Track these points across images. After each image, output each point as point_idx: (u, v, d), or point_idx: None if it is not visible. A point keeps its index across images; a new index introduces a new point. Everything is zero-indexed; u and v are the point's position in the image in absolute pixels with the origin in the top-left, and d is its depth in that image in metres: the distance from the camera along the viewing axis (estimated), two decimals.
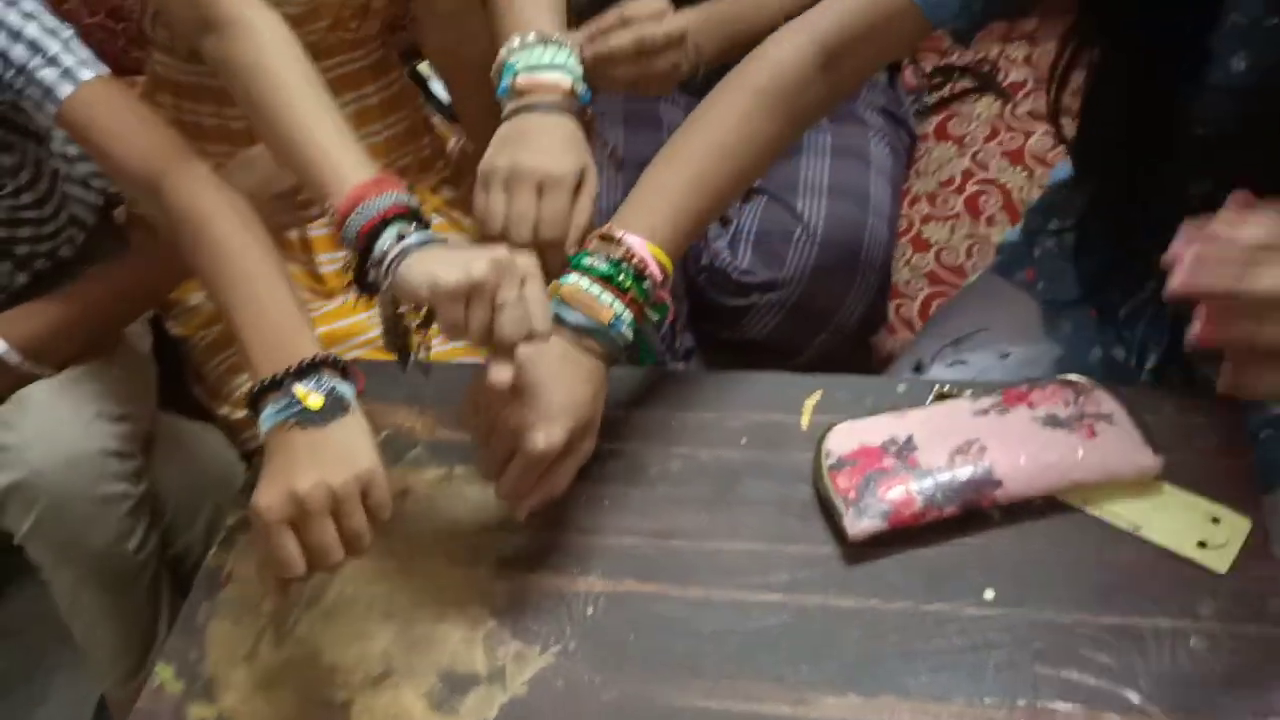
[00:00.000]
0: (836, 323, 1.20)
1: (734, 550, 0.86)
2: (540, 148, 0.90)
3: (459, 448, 0.95)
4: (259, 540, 0.75)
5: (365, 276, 0.83)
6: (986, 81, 1.53)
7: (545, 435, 0.78)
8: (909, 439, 0.88)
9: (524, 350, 0.77)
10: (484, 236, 0.90)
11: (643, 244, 0.83)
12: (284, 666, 0.83)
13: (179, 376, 1.29)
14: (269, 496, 0.74)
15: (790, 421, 0.94)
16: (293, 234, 1.21)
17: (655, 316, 0.86)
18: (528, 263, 0.77)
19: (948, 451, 0.87)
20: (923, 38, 0.96)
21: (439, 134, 1.40)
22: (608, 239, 0.84)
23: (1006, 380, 1.06)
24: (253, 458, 1.21)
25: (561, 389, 0.80)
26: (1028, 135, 1.48)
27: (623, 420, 0.95)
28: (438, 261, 0.77)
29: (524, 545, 0.88)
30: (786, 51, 0.92)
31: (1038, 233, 1.13)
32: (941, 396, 0.94)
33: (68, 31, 1.00)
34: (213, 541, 1.20)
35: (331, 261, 1.24)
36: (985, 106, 1.53)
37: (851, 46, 0.93)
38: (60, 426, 1.06)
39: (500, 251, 0.75)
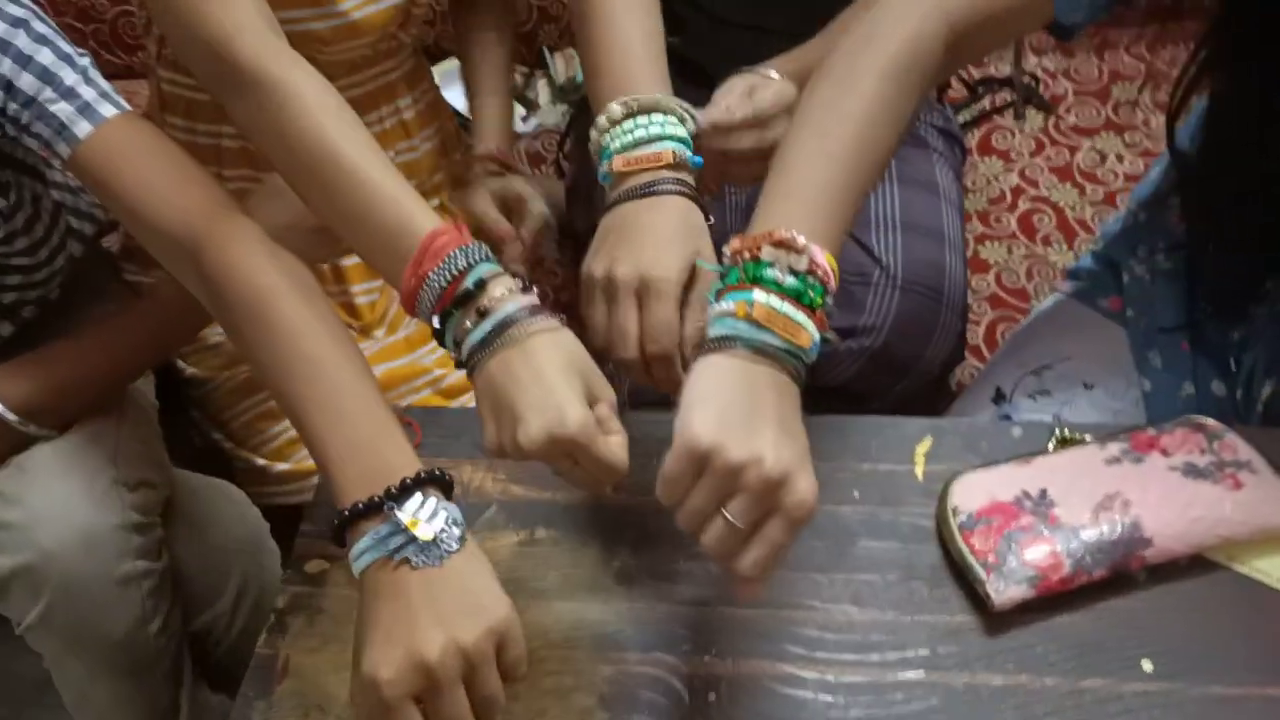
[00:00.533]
0: (920, 368, 1.12)
1: (863, 620, 0.78)
2: (640, 245, 0.79)
3: (540, 507, 0.86)
4: (372, 715, 0.63)
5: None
6: (1029, 94, 1.47)
7: (810, 482, 0.64)
8: (1043, 492, 0.81)
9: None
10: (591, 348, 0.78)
11: (823, 254, 0.70)
12: None
13: (181, 422, 1.16)
14: (389, 667, 0.62)
15: (902, 471, 0.86)
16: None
17: (832, 336, 0.74)
18: (597, 416, 0.70)
19: (1089, 506, 0.79)
20: (1042, 26, 0.87)
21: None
22: (785, 245, 0.70)
23: (1093, 414, 1.02)
24: (277, 515, 1.10)
25: (794, 424, 0.66)
26: (1073, 150, 1.43)
27: None
28: (522, 397, 0.68)
29: (624, 621, 0.79)
30: (923, 26, 0.80)
31: (1125, 259, 1.07)
32: (1064, 441, 0.87)
33: (85, 59, 0.87)
34: (239, 615, 1.11)
35: (367, 293, 1.13)
36: (1029, 120, 1.47)
37: (979, 29, 0.82)
38: (71, 499, 0.92)
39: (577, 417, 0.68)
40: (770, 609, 0.78)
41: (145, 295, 1.11)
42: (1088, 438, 0.86)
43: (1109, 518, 0.79)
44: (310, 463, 1.02)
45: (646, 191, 0.82)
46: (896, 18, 0.81)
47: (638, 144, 0.83)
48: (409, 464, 0.69)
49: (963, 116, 1.47)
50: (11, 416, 0.92)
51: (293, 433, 1.04)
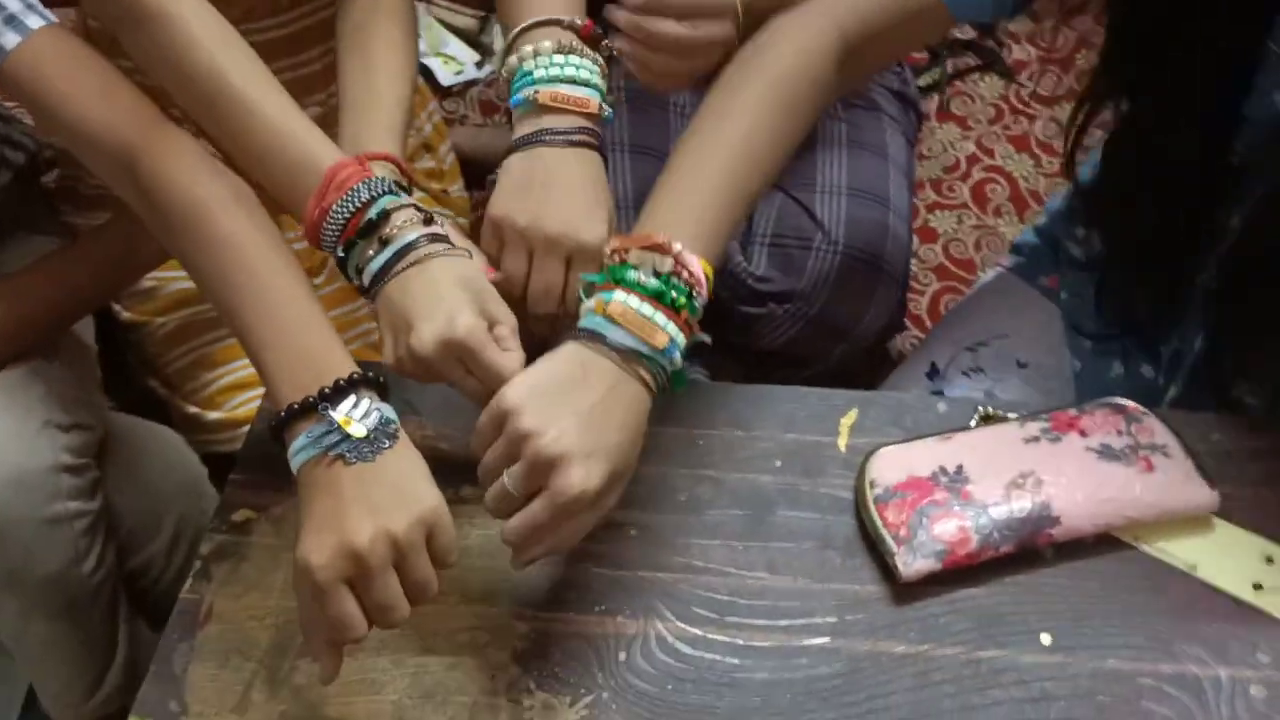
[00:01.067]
0: (857, 334, 1.12)
1: (777, 587, 0.79)
2: (568, 205, 0.79)
3: (464, 467, 0.85)
4: (308, 601, 0.66)
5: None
6: (992, 59, 1.46)
7: (585, 474, 0.67)
8: (959, 468, 0.82)
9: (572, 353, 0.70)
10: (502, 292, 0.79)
11: (696, 260, 0.73)
12: None
13: (119, 365, 1.16)
14: (321, 552, 0.64)
15: (826, 443, 0.88)
16: None
17: (705, 338, 0.76)
18: (495, 335, 0.74)
19: (1002, 484, 0.81)
20: (942, 33, 0.89)
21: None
22: (654, 248, 0.73)
23: (1026, 392, 1.03)
24: (216, 462, 1.10)
25: (608, 424, 0.69)
26: (1032, 119, 1.43)
27: (647, 439, 0.87)
28: (414, 307, 0.73)
29: (543, 580, 0.80)
30: (811, 38, 0.83)
31: (1064, 237, 1.08)
32: (986, 419, 0.88)
33: None
34: (176, 556, 1.12)
35: (302, 238, 1.12)
36: (989, 86, 1.47)
37: (874, 40, 0.84)
38: (2, 440, 0.92)
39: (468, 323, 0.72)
40: (686, 574, 0.80)
41: (86, 236, 1.10)
42: (1011, 416, 0.88)
43: (1020, 495, 0.80)
44: (242, 412, 1.02)
45: (576, 141, 0.81)
46: (791, 23, 0.82)
47: (565, 81, 0.82)
48: (344, 366, 0.71)
49: (923, 80, 1.47)
50: None
51: (225, 380, 1.04)
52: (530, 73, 0.83)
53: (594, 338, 0.71)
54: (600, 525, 0.81)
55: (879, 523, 0.80)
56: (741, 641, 0.77)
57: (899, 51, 0.91)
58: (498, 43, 1.56)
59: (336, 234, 0.75)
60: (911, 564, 0.78)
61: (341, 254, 0.76)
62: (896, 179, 1.16)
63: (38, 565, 0.96)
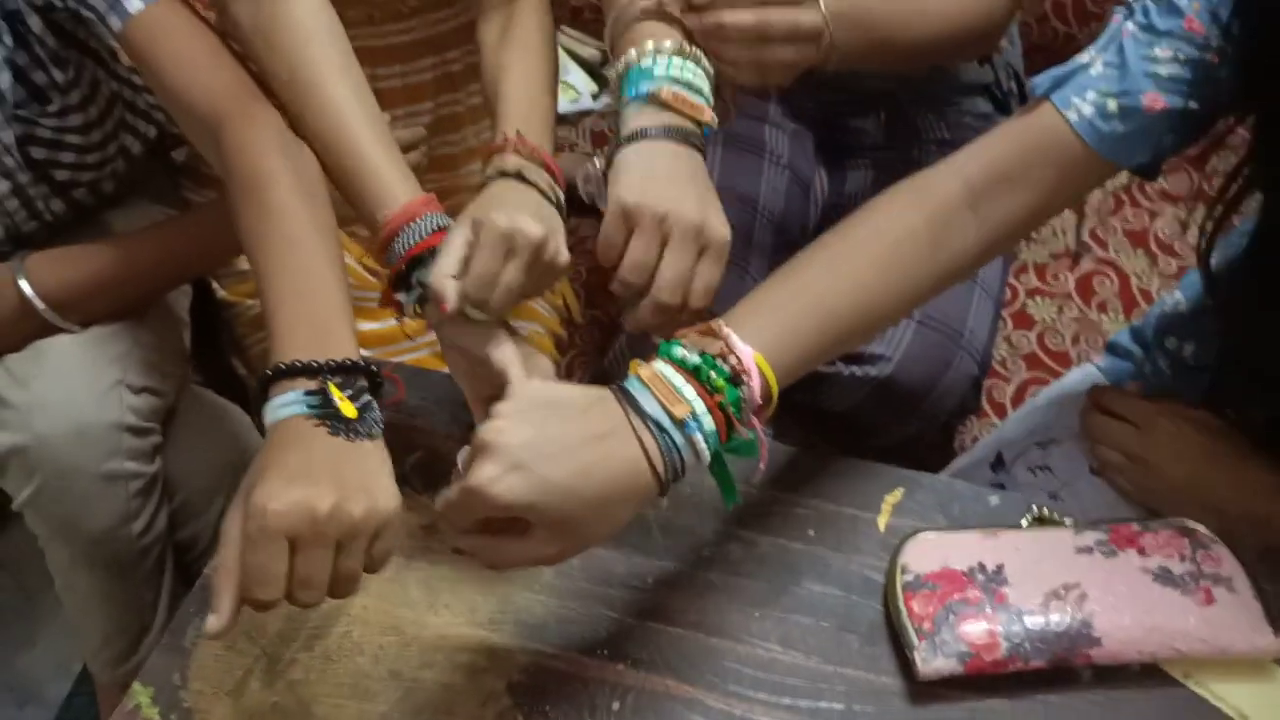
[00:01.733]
0: (926, 409, 1.08)
1: (786, 662, 0.76)
2: (703, 198, 0.78)
3: None
4: (239, 543, 0.64)
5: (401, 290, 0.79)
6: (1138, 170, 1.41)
7: (495, 475, 0.63)
8: (999, 569, 0.78)
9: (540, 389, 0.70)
10: (612, 274, 0.79)
11: (749, 351, 0.70)
12: (270, 712, 0.74)
13: (214, 342, 1.20)
14: (280, 501, 0.62)
15: (865, 519, 0.84)
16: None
17: (747, 436, 0.71)
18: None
19: (1042, 592, 0.77)
20: (1097, 181, 0.83)
21: None
22: (708, 333, 0.71)
23: (1096, 501, 0.98)
24: None
25: (568, 461, 0.65)
26: (1154, 216, 1.36)
27: (679, 488, 0.85)
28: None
29: (552, 613, 0.79)
30: (932, 180, 0.80)
31: (1155, 345, 1.02)
32: (1040, 520, 0.84)
33: None
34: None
35: None
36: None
37: (1002, 186, 0.80)
38: (74, 392, 0.96)
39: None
40: (697, 633, 0.78)
41: (195, 209, 1.15)
42: (1066, 521, 0.83)
43: (1060, 608, 0.76)
44: None
45: (695, 144, 0.80)
46: (921, 174, 0.80)
47: (684, 85, 0.81)
48: (350, 349, 0.72)
49: None
50: (40, 304, 0.96)
51: None
52: (651, 70, 0.82)
53: (622, 394, 0.69)
54: (619, 570, 0.81)
55: (904, 612, 0.76)
56: (739, 713, 0.74)
57: (1047, 200, 0.81)
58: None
59: (410, 245, 0.78)
60: (931, 661, 0.74)
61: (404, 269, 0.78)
62: None
63: (89, 518, 0.99)
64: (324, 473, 0.65)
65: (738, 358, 0.69)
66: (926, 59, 1.02)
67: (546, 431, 0.65)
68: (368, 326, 1.09)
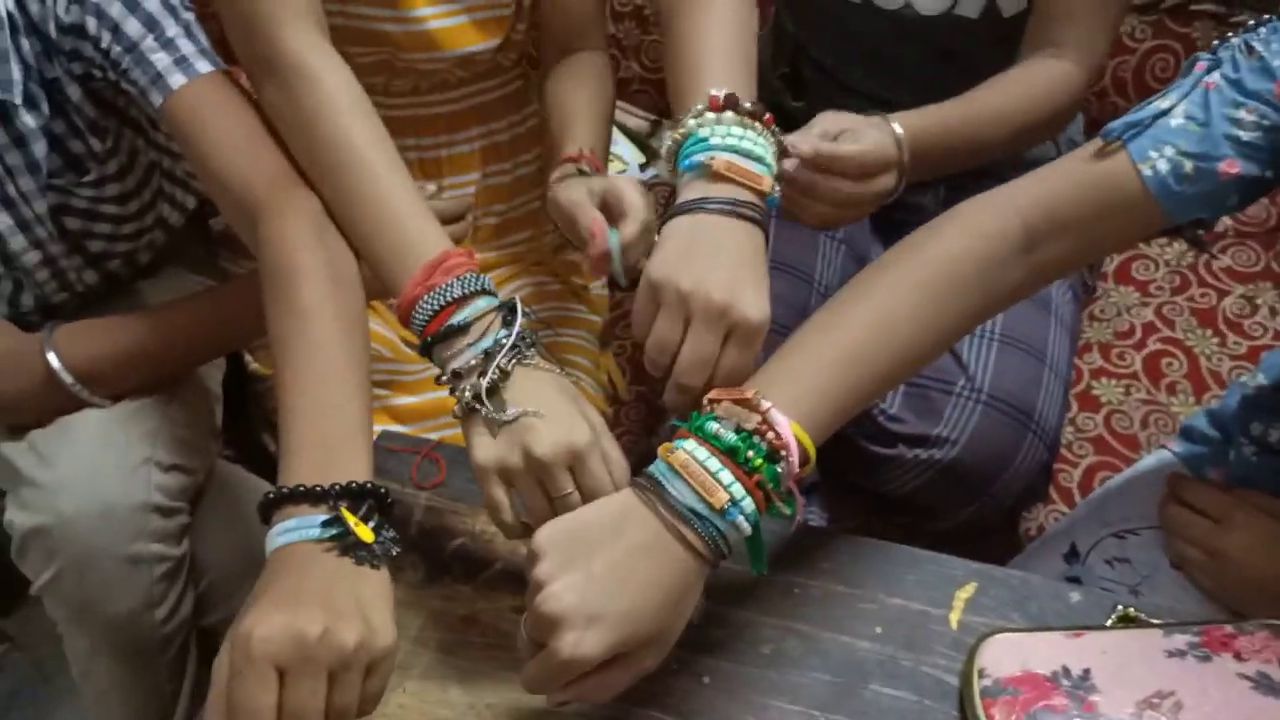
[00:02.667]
0: (991, 495, 1.03)
1: None
2: (735, 277, 0.74)
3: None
4: (228, 675, 0.60)
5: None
6: (1181, 226, 1.36)
7: (573, 642, 0.62)
8: (1086, 673, 0.72)
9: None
10: (642, 351, 0.77)
11: (786, 423, 0.67)
12: None
13: (245, 416, 1.16)
14: (266, 627, 0.59)
15: (936, 615, 0.79)
16: None
17: (787, 511, 0.69)
18: (574, 447, 0.70)
19: (1134, 701, 0.70)
20: (1150, 231, 0.81)
21: None
22: (744, 404, 0.68)
23: (1179, 595, 0.92)
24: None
25: (627, 586, 0.64)
26: (1222, 295, 1.31)
27: (735, 577, 0.80)
28: (483, 436, 0.71)
29: (600, 714, 0.73)
30: (986, 222, 0.76)
31: (1238, 431, 0.96)
32: (1125, 619, 0.78)
33: (189, 14, 0.88)
34: None
35: None
36: (1176, 254, 1.36)
37: (1066, 231, 0.77)
38: (100, 470, 0.92)
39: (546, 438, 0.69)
40: None
41: (233, 281, 1.12)
42: (1155, 621, 0.77)
43: (1154, 718, 0.70)
44: None
45: (744, 215, 0.77)
46: (961, 214, 0.77)
47: (742, 154, 0.78)
48: (361, 471, 0.69)
49: None
50: (68, 379, 0.93)
51: None
52: (707, 139, 0.79)
53: (651, 486, 0.66)
54: (672, 666, 0.75)
55: (983, 719, 0.70)
56: None
57: (1099, 245, 0.83)
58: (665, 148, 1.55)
59: (426, 320, 0.74)
60: None
61: (429, 340, 0.74)
62: (1058, 334, 1.07)
63: (111, 603, 0.95)
64: (316, 597, 0.62)
65: (776, 433, 0.66)
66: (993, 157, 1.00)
67: (594, 570, 0.64)
68: (405, 401, 1.05)
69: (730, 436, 0.66)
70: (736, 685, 0.75)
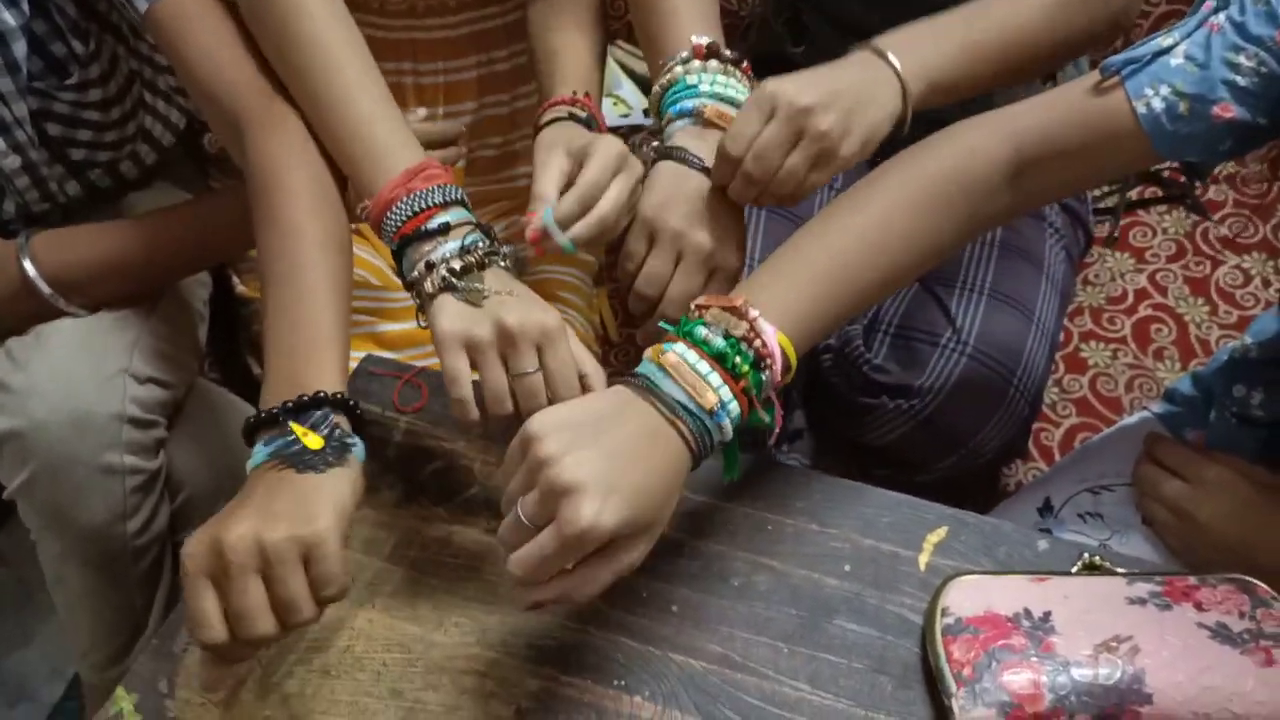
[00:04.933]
0: (970, 448, 1.03)
1: (814, 703, 0.71)
2: (721, 226, 0.80)
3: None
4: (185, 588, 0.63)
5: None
6: (1182, 193, 1.36)
7: (594, 510, 0.60)
8: (1047, 615, 0.73)
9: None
10: (627, 286, 0.82)
11: (773, 331, 0.68)
12: None
13: (233, 339, 1.17)
14: (194, 544, 0.62)
15: (905, 556, 0.79)
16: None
17: (766, 419, 0.70)
18: (545, 326, 0.71)
19: (1092, 643, 0.71)
20: (1141, 166, 0.81)
21: None
22: (732, 310, 0.69)
23: (1148, 551, 0.92)
24: None
25: (636, 466, 0.63)
26: (1217, 264, 1.31)
27: (710, 511, 0.81)
28: (451, 313, 0.72)
29: (566, 637, 0.75)
30: (980, 140, 0.77)
31: (1220, 394, 0.97)
32: (1090, 567, 0.79)
33: None
34: None
35: None
36: (1175, 221, 1.36)
37: (1056, 159, 0.77)
38: (74, 378, 0.92)
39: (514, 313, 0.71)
40: (720, 667, 0.73)
41: (220, 190, 1.11)
42: (1119, 570, 0.78)
43: (1110, 660, 0.70)
44: None
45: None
46: (954, 133, 0.78)
47: (728, 101, 0.82)
48: (332, 379, 0.71)
49: (1107, 201, 1.38)
50: (44, 288, 0.92)
51: None
52: (695, 86, 0.83)
53: (643, 384, 0.66)
54: (641, 594, 0.76)
55: (942, 656, 0.71)
56: None
57: (1088, 176, 0.83)
58: (633, 98, 1.55)
59: (402, 222, 0.75)
60: (970, 710, 0.69)
61: (396, 246, 0.76)
62: (1049, 293, 1.07)
63: (83, 511, 0.95)
64: (248, 508, 0.64)
65: (762, 340, 0.67)
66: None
67: (605, 446, 0.63)
68: (390, 328, 1.05)
69: (719, 342, 0.67)
70: (704, 615, 0.76)
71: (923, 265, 0.77)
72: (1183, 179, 1.42)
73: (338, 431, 0.68)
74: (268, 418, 0.68)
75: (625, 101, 1.55)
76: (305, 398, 0.68)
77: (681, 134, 0.83)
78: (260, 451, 0.67)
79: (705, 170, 0.82)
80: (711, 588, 0.77)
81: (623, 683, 0.72)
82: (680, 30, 0.85)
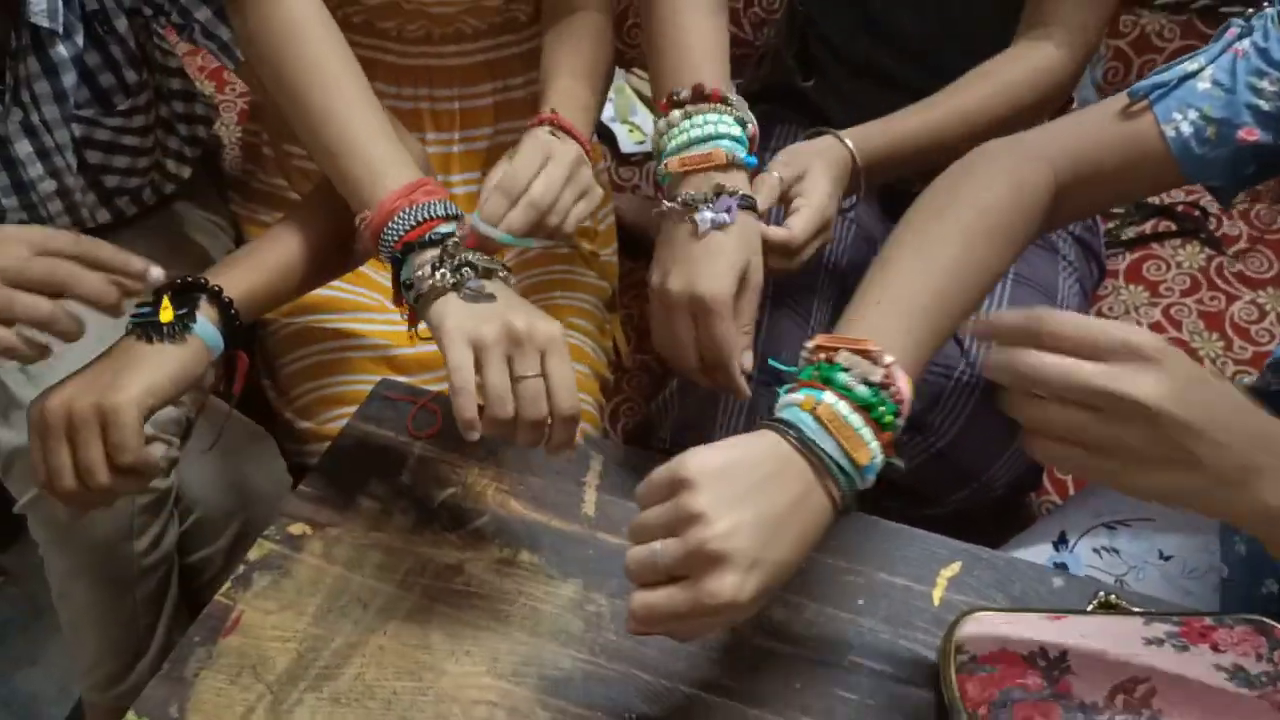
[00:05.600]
0: (983, 482, 1.02)
1: None
2: (690, 259, 0.81)
3: (533, 529, 0.82)
4: None
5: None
6: (1196, 227, 1.36)
7: (737, 586, 0.58)
8: (1063, 656, 0.72)
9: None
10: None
11: (905, 377, 0.66)
12: None
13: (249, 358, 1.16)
14: (35, 400, 0.72)
15: (919, 592, 0.79)
16: None
17: (900, 466, 0.67)
18: (552, 334, 0.72)
19: (1109, 686, 0.71)
20: (1166, 189, 0.82)
21: None
22: (866, 355, 0.66)
23: (1165, 588, 0.92)
24: (303, 475, 1.09)
25: (784, 537, 0.61)
26: (1232, 299, 1.30)
27: None
28: (457, 311, 0.74)
29: (579, 668, 0.74)
30: (1026, 172, 0.77)
31: None
32: (1106, 606, 0.78)
33: None
34: (235, 560, 1.10)
35: None
36: (1189, 255, 1.36)
37: (1087, 183, 0.78)
38: None
39: (522, 318, 0.72)
40: (732, 701, 0.73)
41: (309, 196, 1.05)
42: (1136, 609, 0.77)
43: (1127, 703, 0.70)
44: (331, 426, 1.00)
45: (748, 206, 0.83)
46: (1000, 161, 0.77)
47: (692, 144, 0.84)
48: (219, 276, 0.78)
49: (1126, 233, 1.37)
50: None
51: (325, 391, 1.03)
52: (664, 149, 0.86)
53: (796, 437, 0.63)
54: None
55: (956, 695, 0.70)
56: None
57: (1114, 199, 0.87)
58: (647, 124, 1.55)
59: (405, 230, 0.77)
60: None
61: (398, 254, 0.77)
62: None
63: (90, 528, 0.95)
64: (83, 375, 0.73)
65: (898, 388, 0.65)
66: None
67: (761, 511, 0.60)
68: (404, 352, 1.05)
69: (863, 390, 0.64)
70: (717, 648, 0.75)
71: (985, 295, 0.77)
72: (1197, 213, 1.42)
73: (185, 312, 0.75)
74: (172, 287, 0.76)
75: (640, 128, 1.55)
76: (192, 279, 0.76)
77: (668, 195, 0.86)
78: (130, 314, 0.74)
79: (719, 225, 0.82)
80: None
81: (634, 715, 0.72)
82: (682, 73, 0.88)
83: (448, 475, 0.86)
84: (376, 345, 1.05)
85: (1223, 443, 0.55)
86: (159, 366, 0.73)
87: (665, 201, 0.84)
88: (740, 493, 0.60)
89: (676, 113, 0.85)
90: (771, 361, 0.73)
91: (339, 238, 0.87)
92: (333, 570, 0.80)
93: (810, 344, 0.68)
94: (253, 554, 0.81)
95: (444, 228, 0.76)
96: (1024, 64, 0.95)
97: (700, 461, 0.61)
